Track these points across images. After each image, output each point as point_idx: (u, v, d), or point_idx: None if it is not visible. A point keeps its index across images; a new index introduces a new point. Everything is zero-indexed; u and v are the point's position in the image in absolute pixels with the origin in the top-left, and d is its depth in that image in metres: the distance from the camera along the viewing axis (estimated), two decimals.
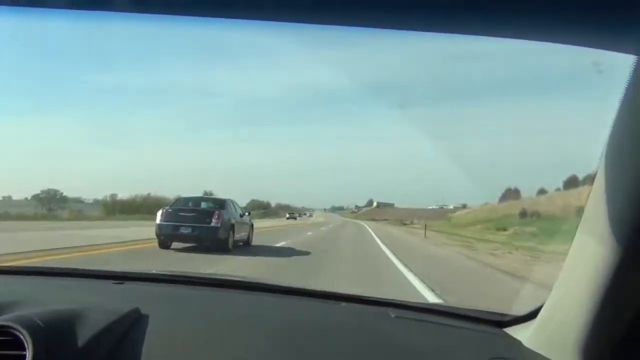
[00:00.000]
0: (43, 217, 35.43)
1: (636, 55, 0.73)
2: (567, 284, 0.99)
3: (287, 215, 68.04)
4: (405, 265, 11.02)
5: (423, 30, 0.73)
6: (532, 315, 1.17)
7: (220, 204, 13.69)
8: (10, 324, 0.94)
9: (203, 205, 14.10)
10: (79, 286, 1.52)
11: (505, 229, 34.31)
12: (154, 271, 1.81)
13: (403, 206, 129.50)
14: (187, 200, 14.60)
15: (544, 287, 1.26)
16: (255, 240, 15.20)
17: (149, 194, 50.43)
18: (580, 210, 0.95)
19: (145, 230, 15.42)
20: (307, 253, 13.13)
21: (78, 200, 63.96)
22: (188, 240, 12.68)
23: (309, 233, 25.16)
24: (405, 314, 1.38)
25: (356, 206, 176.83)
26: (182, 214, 12.62)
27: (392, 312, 1.36)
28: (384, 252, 15.17)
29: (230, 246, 12.61)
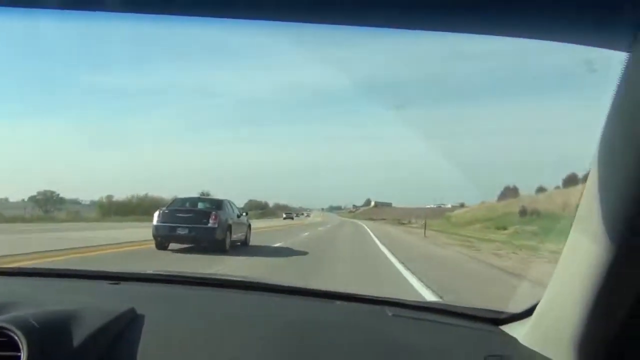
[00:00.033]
0: (39, 219, 35.23)
1: (627, 52, 0.73)
2: (562, 282, 1.00)
3: (284, 215, 67.74)
4: (407, 267, 10.50)
5: (420, 29, 0.74)
6: (528, 312, 1.18)
7: (217, 204, 13.63)
8: (4, 324, 0.94)
9: (200, 205, 14.03)
10: (74, 287, 1.52)
11: (505, 228, 34.03)
12: (150, 271, 1.80)
13: (401, 205, 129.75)
14: (184, 200, 14.53)
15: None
16: (252, 241, 15.08)
17: (146, 195, 50.28)
18: None
19: (140, 232, 15.29)
20: (304, 253, 13.03)
21: (75, 202, 63.80)
22: (185, 241, 12.61)
23: (305, 234, 24.44)
24: (401, 312, 1.37)
25: (354, 206, 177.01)
26: (179, 214, 12.55)
27: (389, 311, 1.36)
28: (383, 253, 14.64)
29: (227, 247, 12.57)
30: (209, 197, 19.21)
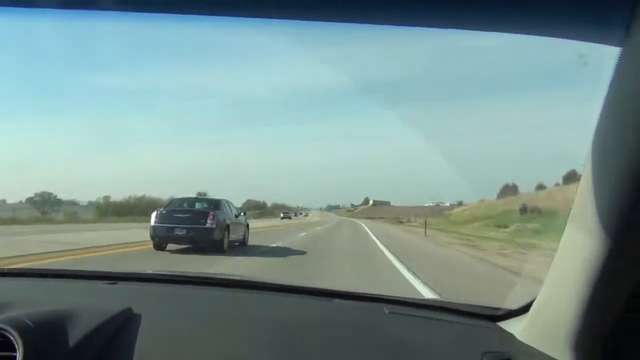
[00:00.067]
0: (36, 221, 35.05)
1: (619, 47, 0.73)
2: (558, 278, 1.00)
3: (282, 215, 67.07)
4: (410, 269, 9.84)
5: (415, 26, 0.74)
6: (524, 308, 1.18)
7: (215, 204, 13.56)
8: (0, 325, 0.94)
9: (197, 206, 13.94)
10: (71, 287, 1.52)
11: (506, 226, 33.67)
12: (147, 271, 1.80)
13: (399, 204, 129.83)
14: (182, 201, 14.45)
15: None
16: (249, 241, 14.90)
17: (143, 196, 50.09)
18: None
19: (135, 233, 14.99)
20: (302, 254, 12.91)
21: (73, 203, 63.66)
22: (183, 242, 12.55)
23: (302, 234, 23.61)
24: (398, 310, 1.37)
25: (352, 205, 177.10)
26: (176, 215, 12.47)
27: (386, 308, 1.36)
28: (385, 256, 13.56)
29: (225, 247, 12.50)
30: (207, 197, 19.15)
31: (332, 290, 1.54)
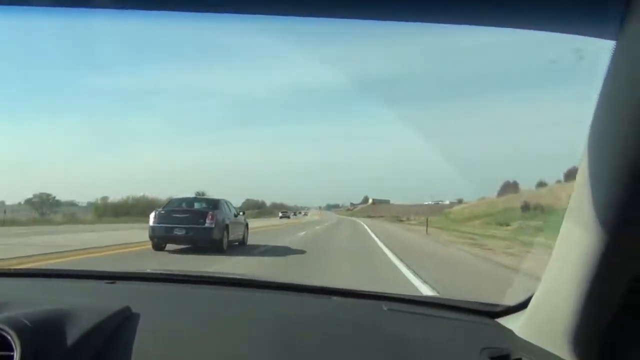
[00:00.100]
0: (35, 222, 34.92)
1: (614, 40, 0.73)
2: (555, 273, 1.01)
3: (280, 215, 65.96)
4: (415, 272, 9.16)
5: (411, 21, 0.74)
6: (523, 305, 1.19)
7: (214, 204, 13.52)
8: None
9: (196, 206, 13.92)
10: (69, 287, 1.53)
11: (507, 224, 33.16)
12: (146, 270, 1.80)
13: (398, 202, 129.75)
14: (180, 201, 14.43)
15: None
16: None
17: (141, 196, 49.96)
18: None
19: (129, 234, 14.65)
20: (301, 254, 12.79)
21: (72, 204, 63.58)
22: (182, 242, 12.53)
23: (301, 233, 22.88)
24: (397, 307, 1.37)
25: (351, 204, 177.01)
26: (175, 215, 12.45)
27: (385, 305, 1.36)
28: (387, 256, 12.68)
29: (225, 247, 12.48)
30: (205, 197, 19.14)
31: (331, 288, 1.54)
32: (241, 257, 11.23)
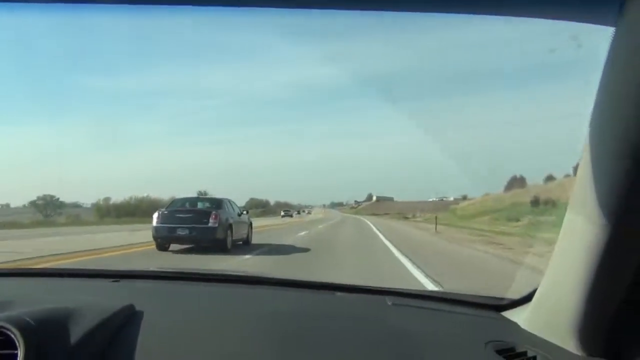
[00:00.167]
0: (38, 224, 34.81)
1: (613, 27, 0.73)
2: (559, 266, 1.01)
3: (282, 213, 64.68)
4: (438, 283, 7.90)
5: (411, 11, 0.74)
6: (527, 298, 1.19)
7: (217, 203, 13.49)
8: (1, 323, 0.94)
9: (200, 205, 13.92)
10: (72, 285, 1.53)
11: (517, 220, 32.25)
12: (149, 269, 1.81)
13: (402, 200, 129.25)
14: (184, 201, 14.41)
15: None
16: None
17: (147, 196, 49.82)
18: None
19: (122, 235, 14.20)
20: (295, 259, 12.20)
21: (76, 205, 63.76)
22: (186, 242, 12.51)
23: (301, 233, 21.08)
24: (401, 301, 1.37)
25: (356, 201, 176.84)
26: (178, 215, 12.44)
27: (389, 300, 1.36)
28: (400, 262, 10.74)
29: (229, 246, 12.43)
30: (208, 196, 19.08)
31: (334, 284, 1.54)
32: (247, 257, 11.07)
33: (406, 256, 11.57)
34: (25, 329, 0.92)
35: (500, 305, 1.32)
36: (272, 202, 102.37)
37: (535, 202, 35.16)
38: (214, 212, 12.36)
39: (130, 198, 51.24)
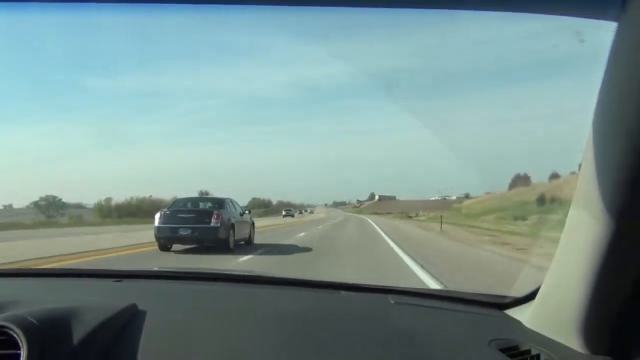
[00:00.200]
0: (41, 224, 34.74)
1: (615, 22, 0.73)
2: (563, 263, 1.00)
3: (284, 213, 63.78)
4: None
5: (415, 7, 0.73)
6: (531, 296, 1.19)
7: (219, 203, 13.43)
8: (4, 323, 0.94)
9: (202, 205, 13.88)
10: (75, 285, 1.53)
11: (524, 218, 31.69)
12: (152, 268, 1.80)
13: (405, 198, 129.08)
14: (186, 201, 14.37)
15: None
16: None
17: (150, 196, 49.71)
18: None
19: (117, 237, 13.89)
20: (308, 250, 12.37)
21: (79, 206, 63.83)
22: (188, 242, 12.47)
23: (301, 234, 20.01)
24: (404, 300, 1.37)
25: (358, 201, 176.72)
26: (180, 215, 12.38)
27: (392, 299, 1.36)
28: (408, 266, 9.67)
29: (231, 245, 12.38)
30: (210, 196, 19.15)
31: (338, 283, 1.54)
32: (250, 257, 10.95)
33: (413, 259, 10.61)
34: (28, 328, 0.93)
35: (503, 304, 1.32)
36: (274, 201, 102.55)
37: (541, 200, 34.74)
38: (216, 211, 12.32)
39: (132, 198, 51.23)
